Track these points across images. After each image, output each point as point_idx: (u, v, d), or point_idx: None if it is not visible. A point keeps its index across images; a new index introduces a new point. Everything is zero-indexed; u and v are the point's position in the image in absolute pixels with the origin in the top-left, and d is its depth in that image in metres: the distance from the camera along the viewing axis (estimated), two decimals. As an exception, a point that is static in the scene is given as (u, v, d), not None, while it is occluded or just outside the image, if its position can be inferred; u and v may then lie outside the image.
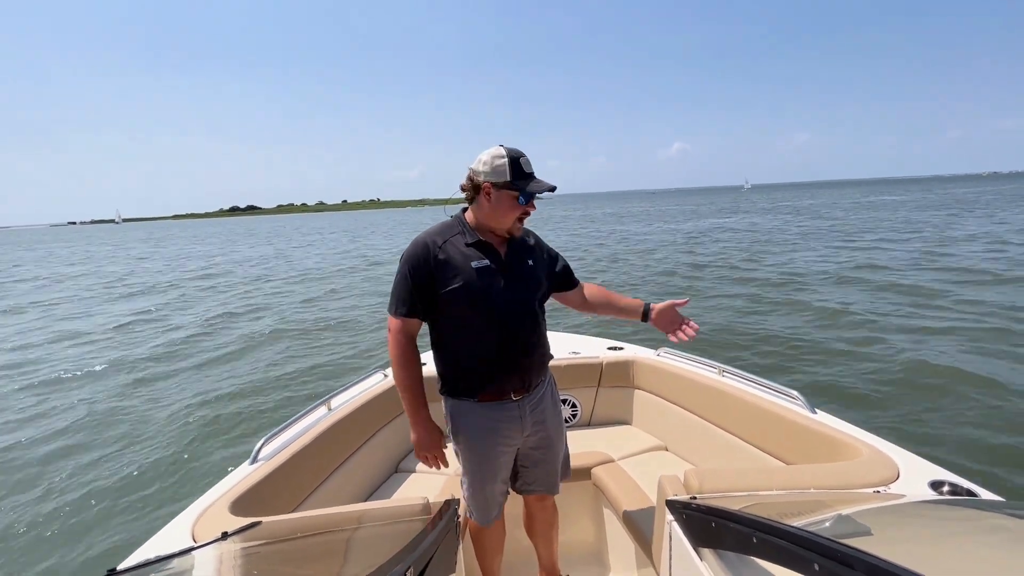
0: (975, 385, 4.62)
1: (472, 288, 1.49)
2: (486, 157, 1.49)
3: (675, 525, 1.21)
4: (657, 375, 2.61)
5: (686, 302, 1.77)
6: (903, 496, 1.29)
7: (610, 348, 2.92)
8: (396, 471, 2.40)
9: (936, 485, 1.38)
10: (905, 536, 0.94)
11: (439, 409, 1.64)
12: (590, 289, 1.85)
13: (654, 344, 2.90)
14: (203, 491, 1.59)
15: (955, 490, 1.35)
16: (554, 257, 1.77)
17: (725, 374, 2.32)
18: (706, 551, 1.08)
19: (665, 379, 2.55)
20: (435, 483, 2.19)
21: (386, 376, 2.61)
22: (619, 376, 2.74)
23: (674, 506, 1.25)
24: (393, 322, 1.55)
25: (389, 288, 1.57)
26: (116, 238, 66.58)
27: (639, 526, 1.87)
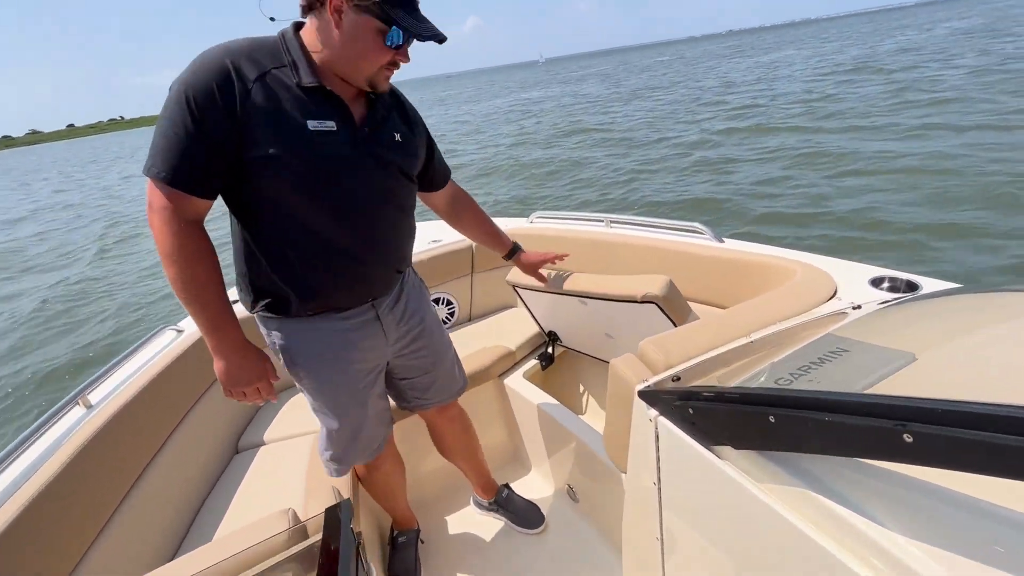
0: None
1: (305, 161, 0.93)
2: None
3: (666, 422, 0.87)
4: (536, 244, 2.23)
5: (558, 258, 1.52)
6: (866, 303, 1.13)
7: None
8: (237, 451, 1.70)
9: (876, 282, 1.28)
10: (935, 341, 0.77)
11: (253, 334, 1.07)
12: (458, 194, 1.40)
13: (523, 213, 2.50)
14: None
15: (895, 283, 1.26)
16: (428, 134, 1.23)
17: (613, 224, 2.04)
18: (728, 449, 0.76)
19: (546, 246, 2.19)
20: (296, 453, 1.58)
21: (181, 332, 1.76)
22: (493, 256, 2.31)
23: (658, 398, 0.90)
24: (155, 195, 0.89)
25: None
26: None
27: (553, 411, 1.59)
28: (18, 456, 1.15)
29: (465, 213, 1.41)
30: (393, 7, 0.88)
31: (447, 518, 1.75)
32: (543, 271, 1.58)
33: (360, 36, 0.89)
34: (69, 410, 1.32)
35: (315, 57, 0.94)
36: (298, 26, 0.96)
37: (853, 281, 1.29)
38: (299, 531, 0.74)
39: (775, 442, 0.67)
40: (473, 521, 1.71)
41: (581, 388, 2.12)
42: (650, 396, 0.92)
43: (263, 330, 1.11)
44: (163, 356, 1.60)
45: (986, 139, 6.31)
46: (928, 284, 1.22)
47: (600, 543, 1.56)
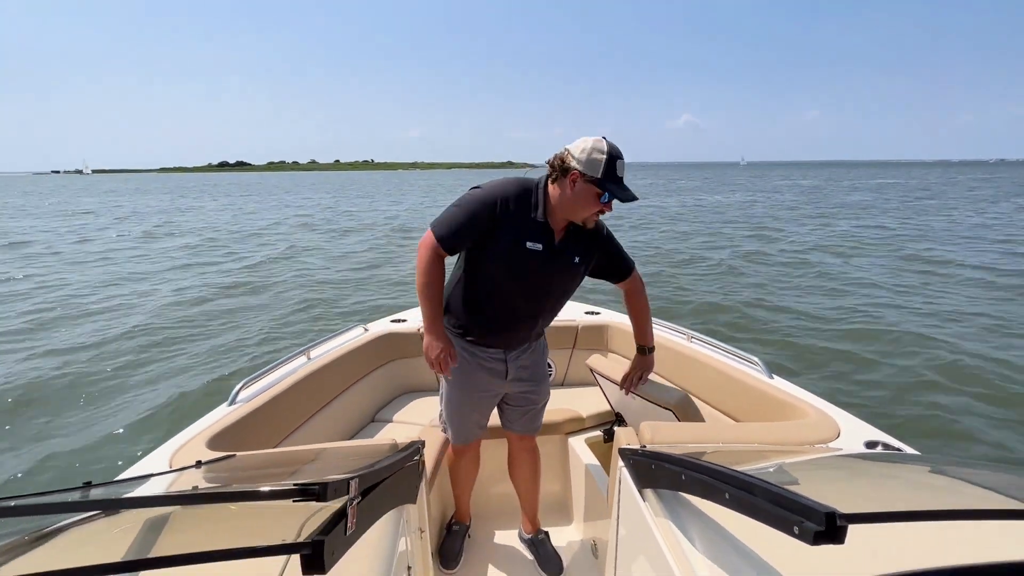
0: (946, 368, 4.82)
1: (515, 263, 1.53)
2: (586, 146, 1.45)
3: (624, 470, 1.29)
4: (629, 340, 2.68)
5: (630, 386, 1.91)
6: (838, 451, 1.38)
7: (587, 312, 2.96)
8: (373, 420, 2.48)
9: (871, 444, 1.47)
10: (824, 480, 1.03)
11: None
12: (636, 286, 1.81)
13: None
14: (180, 429, 1.61)
15: (887, 449, 1.45)
16: (608, 252, 1.71)
17: (694, 340, 2.40)
18: (648, 491, 1.16)
19: (624, 338, 2.64)
20: (410, 431, 2.27)
21: (367, 330, 2.65)
22: (593, 339, 2.81)
23: (624, 454, 1.32)
24: (430, 237, 1.54)
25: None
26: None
27: (600, 477, 1.98)
28: (268, 372, 2.02)
29: (634, 304, 1.84)
30: (608, 182, 1.43)
31: (496, 531, 2.21)
32: (623, 363, 2.00)
33: (584, 196, 1.46)
34: (298, 356, 2.21)
35: (551, 202, 1.53)
36: (548, 179, 1.54)
37: (853, 433, 1.47)
38: (394, 446, 1.35)
39: (653, 482, 1.08)
40: (513, 544, 2.12)
41: None
42: (622, 453, 1.35)
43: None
44: (352, 342, 2.47)
45: None
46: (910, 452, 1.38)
47: None
